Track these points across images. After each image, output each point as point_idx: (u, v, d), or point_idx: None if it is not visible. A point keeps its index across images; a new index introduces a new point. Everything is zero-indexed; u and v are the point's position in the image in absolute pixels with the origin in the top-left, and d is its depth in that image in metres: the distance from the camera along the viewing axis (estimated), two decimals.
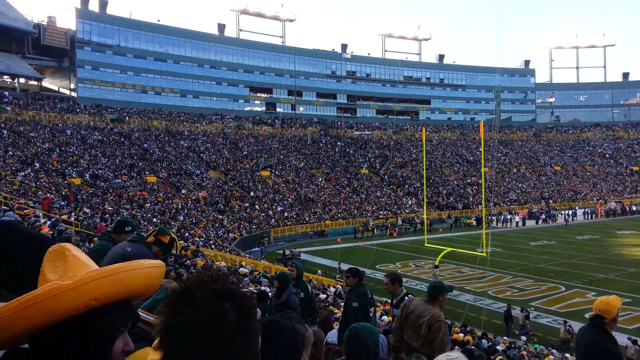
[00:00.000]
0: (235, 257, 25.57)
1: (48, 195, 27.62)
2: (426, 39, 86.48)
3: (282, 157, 56.49)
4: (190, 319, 0.95)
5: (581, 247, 34.58)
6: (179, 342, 0.95)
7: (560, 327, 17.09)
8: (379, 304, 14.16)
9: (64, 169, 36.18)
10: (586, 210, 54.95)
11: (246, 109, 70.13)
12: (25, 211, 16.43)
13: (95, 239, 15.95)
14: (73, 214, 24.07)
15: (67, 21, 56.76)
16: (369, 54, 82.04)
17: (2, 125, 40.34)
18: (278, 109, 71.61)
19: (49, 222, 14.82)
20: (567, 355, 14.17)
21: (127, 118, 53.33)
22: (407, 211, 50.80)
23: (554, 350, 14.97)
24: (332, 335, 5.25)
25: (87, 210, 27.37)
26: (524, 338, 16.74)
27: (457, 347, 10.05)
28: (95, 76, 57.63)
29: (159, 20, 64.50)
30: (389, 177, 58.77)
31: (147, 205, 34.79)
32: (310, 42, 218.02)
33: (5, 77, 53.05)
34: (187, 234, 30.26)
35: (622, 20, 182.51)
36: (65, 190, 31.11)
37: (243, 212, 41.19)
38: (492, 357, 11.60)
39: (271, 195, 46.33)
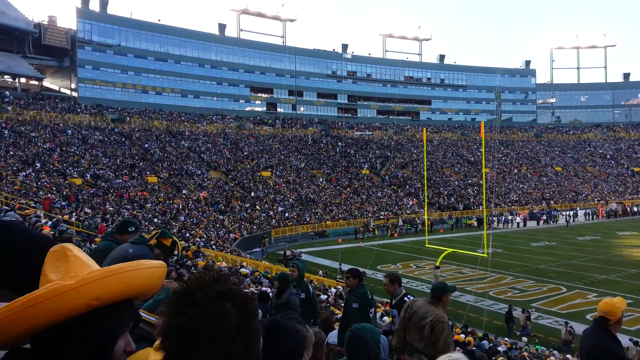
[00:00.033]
0: (236, 257, 25.58)
1: (49, 195, 27.64)
2: (427, 39, 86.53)
3: (282, 157, 56.50)
4: (192, 320, 0.95)
5: (582, 248, 34.56)
6: (181, 343, 0.95)
7: (561, 328, 17.07)
8: (379, 304, 14.15)
9: (65, 169, 36.21)
10: (587, 211, 54.91)
11: (247, 109, 70.18)
12: (26, 211, 16.44)
13: (97, 239, 15.97)
14: (74, 214, 24.09)
15: (68, 21, 56.94)
16: (369, 54, 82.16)
17: (3, 125, 40.39)
18: (279, 109, 71.66)
19: (49, 222, 14.83)
20: (568, 356, 14.15)
21: (128, 118, 53.38)
22: (408, 212, 50.79)
23: (555, 352, 14.97)
24: (333, 336, 5.25)
25: (88, 211, 27.38)
26: (525, 339, 16.73)
27: (458, 348, 10.04)
28: (96, 76, 57.68)
29: (159, 20, 64.70)
30: (389, 177, 58.77)
31: (148, 205, 34.81)
32: (310, 42, 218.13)
33: (6, 76, 53.12)
34: (188, 235, 30.27)
35: (623, 21, 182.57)
36: (66, 191, 31.13)
37: (244, 213, 41.20)
38: (493, 358, 11.60)
39: (272, 196, 46.34)
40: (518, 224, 49.12)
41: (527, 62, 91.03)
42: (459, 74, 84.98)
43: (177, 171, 44.77)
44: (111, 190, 35.15)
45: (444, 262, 27.65)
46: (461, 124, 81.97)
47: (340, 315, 8.28)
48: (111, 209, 30.41)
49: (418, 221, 46.90)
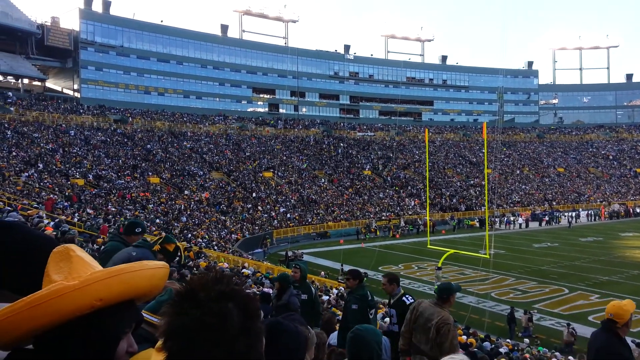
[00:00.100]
0: (238, 258, 25.60)
1: (51, 196, 27.71)
2: (429, 40, 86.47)
3: (284, 158, 56.52)
4: (194, 320, 0.95)
5: (584, 249, 34.47)
6: (183, 343, 0.95)
7: (563, 329, 17.02)
8: (381, 305, 14.14)
9: (68, 170, 36.29)
10: (590, 212, 54.79)
11: (249, 109, 70.22)
12: (28, 212, 16.49)
13: (99, 239, 16.00)
14: (76, 214, 24.15)
15: (71, 22, 57.05)
16: (371, 55, 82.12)
17: (6, 126, 40.49)
18: (281, 110, 71.66)
19: (52, 223, 14.87)
20: (570, 357, 14.12)
21: (130, 119, 53.47)
22: (409, 213, 50.74)
23: (557, 353, 14.93)
24: (332, 338, 5.26)
25: (91, 211, 27.44)
26: (527, 340, 16.69)
27: (460, 349, 10.03)
28: (99, 77, 57.77)
29: (162, 21, 64.65)
30: (391, 178, 58.73)
31: (150, 206, 34.85)
32: (313, 43, 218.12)
33: (9, 77, 53.25)
34: (189, 235, 30.29)
35: (626, 21, 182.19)
36: (68, 191, 31.20)
37: (246, 213, 41.21)
38: (495, 359, 11.59)
39: (274, 197, 46.34)
40: (520, 225, 49.02)
41: (530, 63, 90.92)
42: (461, 75, 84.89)
43: (179, 172, 44.82)
44: (113, 191, 35.21)
45: (446, 263, 27.61)
46: (463, 125, 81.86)
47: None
48: (113, 209, 30.47)
49: (420, 222, 46.83)
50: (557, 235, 42.30)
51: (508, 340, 16.44)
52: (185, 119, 59.53)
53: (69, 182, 33.67)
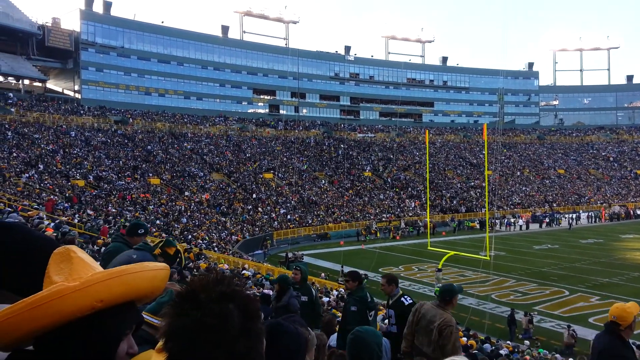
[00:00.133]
0: (238, 259, 25.59)
1: (52, 196, 27.71)
2: (430, 41, 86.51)
3: (285, 159, 56.54)
4: (195, 321, 0.95)
5: (585, 251, 34.45)
6: (184, 344, 0.95)
7: (563, 331, 17.01)
8: (381, 307, 14.13)
9: (68, 171, 36.30)
10: (590, 213, 54.78)
11: (249, 111, 70.23)
12: (29, 213, 16.48)
13: (100, 240, 16.00)
14: (77, 215, 24.15)
15: (72, 22, 57.02)
16: (372, 56, 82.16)
17: (7, 127, 40.52)
18: (281, 111, 71.71)
19: (52, 224, 14.86)
20: (570, 359, 14.11)
21: (131, 120, 53.49)
22: (410, 214, 50.74)
23: (557, 355, 14.92)
24: (332, 339, 5.25)
25: (91, 212, 27.44)
26: (527, 342, 16.68)
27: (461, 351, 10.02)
28: (99, 78, 57.82)
29: (162, 22, 64.66)
30: (392, 179, 58.73)
31: (151, 207, 34.86)
32: (313, 44, 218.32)
33: (9, 78, 53.28)
34: (190, 236, 30.29)
35: (626, 23, 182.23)
36: (69, 192, 31.21)
37: (246, 215, 41.22)
38: None
39: (274, 198, 46.35)
40: (520, 226, 49.00)
41: (530, 64, 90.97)
42: (461, 76, 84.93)
43: (179, 173, 44.84)
44: (114, 192, 35.21)
45: (446, 265, 27.59)
46: (464, 126, 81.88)
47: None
48: (114, 210, 30.47)
49: (420, 223, 46.82)
50: (558, 237, 42.29)
51: (508, 342, 16.42)
52: (185, 120, 59.57)
53: (69, 183, 33.68)
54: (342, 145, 64.92)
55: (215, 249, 28.94)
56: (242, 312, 0.99)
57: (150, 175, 42.06)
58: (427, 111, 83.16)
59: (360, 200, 51.73)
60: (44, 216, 16.85)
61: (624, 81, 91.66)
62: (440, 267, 25.34)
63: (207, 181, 45.59)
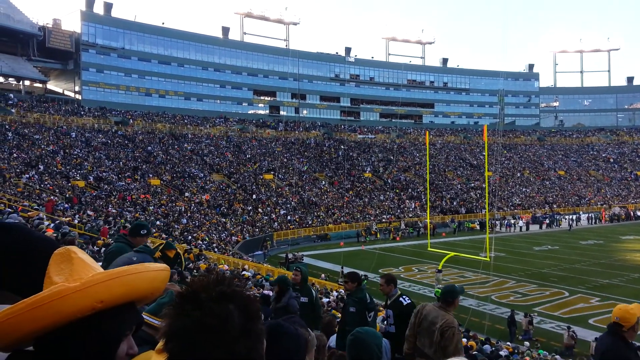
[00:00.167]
0: (238, 260, 25.58)
1: (52, 197, 27.72)
2: (430, 43, 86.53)
3: (285, 160, 56.54)
4: (195, 321, 0.95)
5: (585, 252, 34.44)
6: (184, 344, 0.95)
7: (563, 332, 17.01)
8: (381, 308, 14.13)
9: (68, 172, 36.31)
10: (590, 215, 54.77)
11: (250, 112, 70.25)
12: (29, 213, 16.48)
13: (100, 241, 16.01)
14: (77, 216, 24.15)
15: (72, 24, 57.12)
16: (372, 57, 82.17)
17: (7, 128, 40.54)
18: (282, 112, 71.73)
19: (52, 225, 14.86)
20: None
21: (131, 121, 53.51)
22: (410, 215, 50.73)
23: (557, 356, 14.92)
24: (331, 340, 5.25)
25: (91, 213, 27.44)
26: (527, 343, 16.67)
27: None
28: (100, 79, 57.86)
29: (163, 23, 64.69)
30: (392, 180, 58.72)
31: (151, 208, 34.86)
32: (314, 45, 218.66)
33: (10, 79, 53.33)
34: (190, 237, 30.29)
35: (627, 24, 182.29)
36: (69, 193, 31.22)
37: (246, 215, 41.22)
38: None
39: (274, 199, 46.34)
40: (521, 227, 48.99)
41: (531, 66, 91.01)
42: (462, 78, 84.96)
43: (179, 174, 44.84)
44: (114, 193, 35.22)
45: (446, 266, 27.58)
46: (464, 128, 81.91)
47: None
48: (114, 211, 30.47)
49: (420, 225, 46.82)
50: (558, 238, 42.28)
51: (508, 343, 16.42)
52: (186, 121, 59.58)
53: (69, 184, 33.69)
54: (342, 147, 64.93)
55: (215, 249, 28.94)
56: (242, 313, 0.99)
57: (151, 176, 42.06)
58: (428, 112, 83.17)
59: (360, 201, 51.72)
60: (44, 217, 16.85)
61: (624, 83, 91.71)
62: (440, 268, 25.32)
63: (207, 182, 45.59)
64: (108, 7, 59.42)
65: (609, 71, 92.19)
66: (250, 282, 15.37)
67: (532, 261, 31.32)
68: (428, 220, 35.60)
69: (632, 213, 56.99)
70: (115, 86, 58.81)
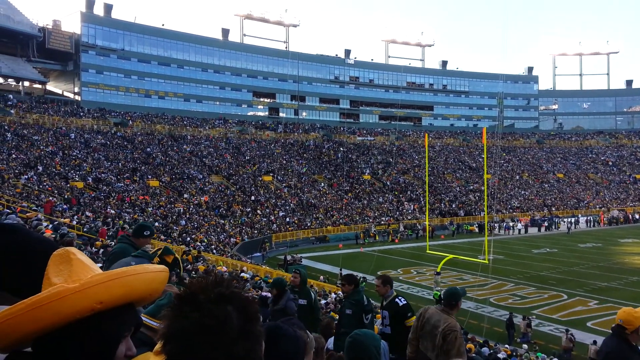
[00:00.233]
0: (237, 262, 25.56)
1: (51, 198, 27.68)
2: (429, 45, 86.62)
3: (284, 162, 56.53)
4: (194, 323, 0.95)
5: (583, 255, 34.45)
6: (182, 346, 0.95)
7: (562, 335, 17.00)
8: (379, 310, 14.12)
9: (67, 173, 36.27)
10: (589, 218, 54.80)
11: (249, 113, 70.24)
12: (27, 214, 16.46)
13: (98, 242, 16.00)
14: (75, 217, 24.12)
15: (72, 25, 57.09)
16: (372, 59, 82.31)
17: (6, 128, 40.50)
18: (281, 114, 71.70)
19: (51, 226, 14.85)
20: None
21: (131, 122, 53.48)
22: (409, 217, 50.73)
23: (555, 359, 14.91)
24: (329, 343, 5.25)
25: (89, 214, 27.40)
26: (525, 346, 16.65)
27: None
28: (100, 80, 57.84)
29: (163, 25, 64.73)
30: (391, 183, 58.74)
31: (149, 209, 34.82)
32: (313, 47, 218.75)
33: (9, 80, 53.28)
34: (188, 239, 30.27)
35: (626, 28, 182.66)
36: (67, 194, 31.18)
37: (245, 217, 41.20)
38: None
39: (273, 200, 46.33)
40: (519, 230, 49.01)
41: (530, 69, 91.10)
42: (461, 80, 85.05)
43: (178, 175, 44.81)
44: (113, 194, 35.18)
45: (445, 269, 27.56)
46: (463, 130, 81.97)
47: None
48: (112, 212, 30.43)
49: (419, 227, 46.82)
50: (556, 241, 42.29)
51: (507, 345, 16.40)
52: (185, 122, 59.56)
53: (68, 185, 33.65)
54: (341, 149, 64.96)
55: (214, 251, 28.92)
56: (240, 314, 0.99)
57: (150, 177, 42.03)
58: (427, 115, 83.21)
59: (359, 203, 51.71)
60: (43, 218, 16.84)
61: (623, 86, 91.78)
62: (439, 270, 25.31)
63: (206, 183, 45.57)
64: (108, 8, 59.44)
65: (608, 74, 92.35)
66: (248, 284, 15.36)
67: (531, 264, 31.33)
68: (427, 223, 35.61)
69: (630, 216, 57.03)
70: (114, 87, 58.79)
